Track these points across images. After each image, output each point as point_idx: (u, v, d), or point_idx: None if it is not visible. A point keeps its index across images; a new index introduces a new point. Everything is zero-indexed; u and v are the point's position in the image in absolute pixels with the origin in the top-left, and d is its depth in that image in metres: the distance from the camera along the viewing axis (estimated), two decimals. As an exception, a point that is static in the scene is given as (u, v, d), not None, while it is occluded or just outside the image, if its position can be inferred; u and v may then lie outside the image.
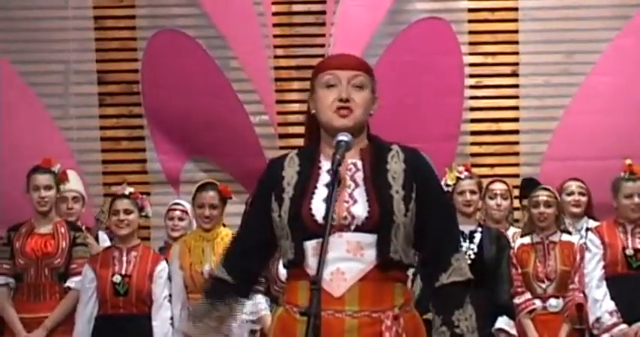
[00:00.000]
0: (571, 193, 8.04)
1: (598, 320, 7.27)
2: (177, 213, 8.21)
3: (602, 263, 7.42)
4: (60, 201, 7.88)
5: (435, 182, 4.27)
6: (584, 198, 8.05)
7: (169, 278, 7.36)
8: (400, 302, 4.06)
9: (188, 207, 8.11)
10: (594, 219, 8.06)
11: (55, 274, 7.39)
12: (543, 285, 7.46)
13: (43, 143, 9.41)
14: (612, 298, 7.33)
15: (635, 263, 7.35)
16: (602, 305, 7.29)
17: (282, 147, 9.70)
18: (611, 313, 7.24)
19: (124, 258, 7.33)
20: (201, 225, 7.47)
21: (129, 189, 7.57)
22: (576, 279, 7.39)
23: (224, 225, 7.73)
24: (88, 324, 7.18)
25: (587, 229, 7.81)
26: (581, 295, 7.35)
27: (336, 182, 4.02)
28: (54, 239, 7.48)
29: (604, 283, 7.36)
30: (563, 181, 8.17)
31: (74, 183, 8.16)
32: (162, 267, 7.33)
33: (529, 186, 8.29)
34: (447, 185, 7.62)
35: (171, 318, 7.28)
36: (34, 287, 7.41)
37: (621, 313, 7.28)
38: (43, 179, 7.51)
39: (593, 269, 7.42)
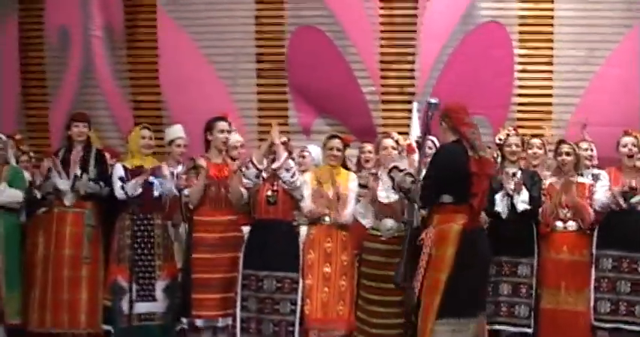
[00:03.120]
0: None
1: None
2: (306, 153, 8.37)
3: (608, 189, 7.56)
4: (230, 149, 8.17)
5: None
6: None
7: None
8: (434, 222, 6.00)
9: (317, 150, 8.21)
10: (600, 168, 8.10)
11: (226, 191, 7.60)
12: (565, 211, 7.58)
13: (217, 104, 9.60)
14: (613, 226, 7.47)
15: (630, 197, 7.45)
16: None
17: (383, 110, 10.14)
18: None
19: (275, 182, 7.46)
20: (329, 163, 7.63)
21: (283, 138, 7.82)
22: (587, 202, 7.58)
23: (346, 168, 7.85)
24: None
25: (594, 175, 7.88)
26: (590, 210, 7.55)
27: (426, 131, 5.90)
28: (227, 166, 7.70)
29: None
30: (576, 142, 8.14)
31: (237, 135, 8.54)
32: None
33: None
34: (500, 139, 7.89)
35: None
36: (215, 200, 7.61)
37: (618, 240, 7.42)
38: (225, 125, 7.70)
39: (602, 187, 7.60)
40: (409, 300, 5.19)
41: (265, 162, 7.54)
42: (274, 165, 7.47)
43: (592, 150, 8.35)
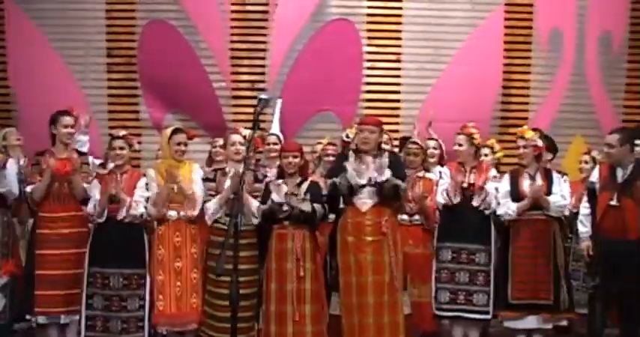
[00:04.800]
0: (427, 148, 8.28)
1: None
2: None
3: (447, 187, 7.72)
4: None
5: None
6: (437, 151, 8.28)
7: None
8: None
9: None
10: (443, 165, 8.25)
11: (69, 186, 7.52)
12: (411, 205, 7.81)
13: (67, 97, 9.40)
14: (452, 219, 7.69)
15: (468, 193, 7.66)
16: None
17: (234, 105, 10.13)
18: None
19: (119, 178, 7.39)
20: (175, 157, 7.50)
21: (122, 132, 7.62)
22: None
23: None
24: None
25: (440, 171, 7.99)
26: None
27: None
28: (70, 161, 7.53)
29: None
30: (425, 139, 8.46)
31: None
32: (142, 181, 7.45)
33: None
34: (347, 136, 8.03)
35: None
36: (59, 195, 7.53)
37: (457, 233, 7.65)
38: (69, 120, 7.63)
39: (442, 186, 7.76)
40: (234, 291, 5.28)
41: (106, 211, 7.36)
42: (119, 216, 7.35)
43: (440, 146, 8.45)
